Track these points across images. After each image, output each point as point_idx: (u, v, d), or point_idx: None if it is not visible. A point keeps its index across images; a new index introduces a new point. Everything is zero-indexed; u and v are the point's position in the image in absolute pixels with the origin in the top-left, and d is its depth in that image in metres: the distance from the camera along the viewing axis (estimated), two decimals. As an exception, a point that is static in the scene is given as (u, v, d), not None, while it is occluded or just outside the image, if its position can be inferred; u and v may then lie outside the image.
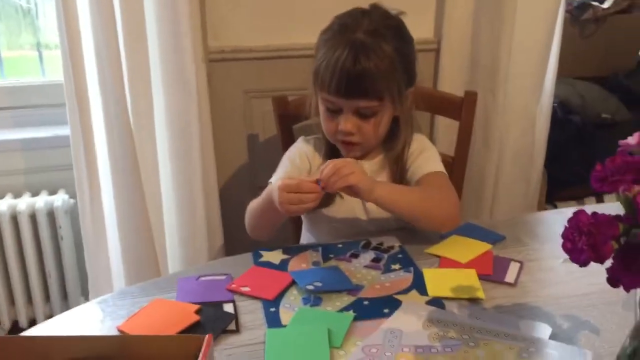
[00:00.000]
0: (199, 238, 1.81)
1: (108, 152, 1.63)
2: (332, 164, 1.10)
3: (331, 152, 1.32)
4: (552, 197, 2.23)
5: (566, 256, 1.17)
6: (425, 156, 1.32)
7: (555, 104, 2.12)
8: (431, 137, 1.97)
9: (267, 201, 1.21)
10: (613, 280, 0.65)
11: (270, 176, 1.33)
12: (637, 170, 0.65)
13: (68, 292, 1.96)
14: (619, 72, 2.44)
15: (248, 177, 1.91)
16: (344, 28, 1.22)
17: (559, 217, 1.35)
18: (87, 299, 1.90)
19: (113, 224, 1.70)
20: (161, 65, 1.65)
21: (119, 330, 0.95)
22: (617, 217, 0.66)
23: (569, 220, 0.63)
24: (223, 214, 1.85)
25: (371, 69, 1.15)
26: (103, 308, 1.01)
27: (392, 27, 1.24)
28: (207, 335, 0.84)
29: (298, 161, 1.34)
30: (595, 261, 0.61)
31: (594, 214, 0.62)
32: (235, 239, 1.90)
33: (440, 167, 1.31)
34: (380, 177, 1.33)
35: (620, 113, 2.29)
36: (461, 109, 1.63)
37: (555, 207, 2.22)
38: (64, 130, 1.69)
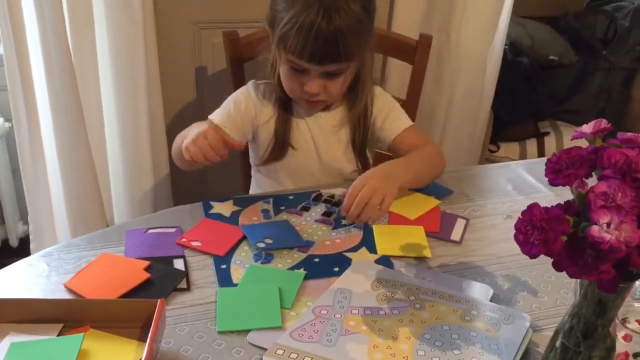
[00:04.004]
0: (145, 172, 1.78)
1: (46, 80, 1.54)
2: (357, 196, 1.08)
3: (283, 100, 1.29)
4: (496, 138, 2.28)
5: (509, 213, 1.22)
6: (395, 114, 1.34)
7: (506, 46, 2.12)
8: (382, 79, 1.95)
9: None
10: (558, 267, 0.68)
11: None
12: (591, 164, 0.67)
13: (5, 217, 1.91)
14: (570, 12, 2.45)
15: (195, 112, 1.85)
16: None
17: (504, 171, 1.40)
18: (27, 226, 1.86)
19: (53, 155, 1.64)
20: (104, -9, 1.55)
21: (66, 287, 0.93)
22: (568, 206, 0.68)
23: (523, 213, 0.65)
24: (170, 149, 1.81)
25: (344, 32, 1.11)
26: (48, 262, 0.99)
27: None
28: (159, 301, 0.84)
29: (243, 107, 1.29)
30: (546, 255, 0.64)
31: (547, 209, 0.64)
32: (182, 172, 1.87)
33: (409, 120, 1.35)
34: (342, 130, 1.33)
35: (567, 55, 2.31)
36: (415, 52, 1.61)
37: (499, 147, 2.27)
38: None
